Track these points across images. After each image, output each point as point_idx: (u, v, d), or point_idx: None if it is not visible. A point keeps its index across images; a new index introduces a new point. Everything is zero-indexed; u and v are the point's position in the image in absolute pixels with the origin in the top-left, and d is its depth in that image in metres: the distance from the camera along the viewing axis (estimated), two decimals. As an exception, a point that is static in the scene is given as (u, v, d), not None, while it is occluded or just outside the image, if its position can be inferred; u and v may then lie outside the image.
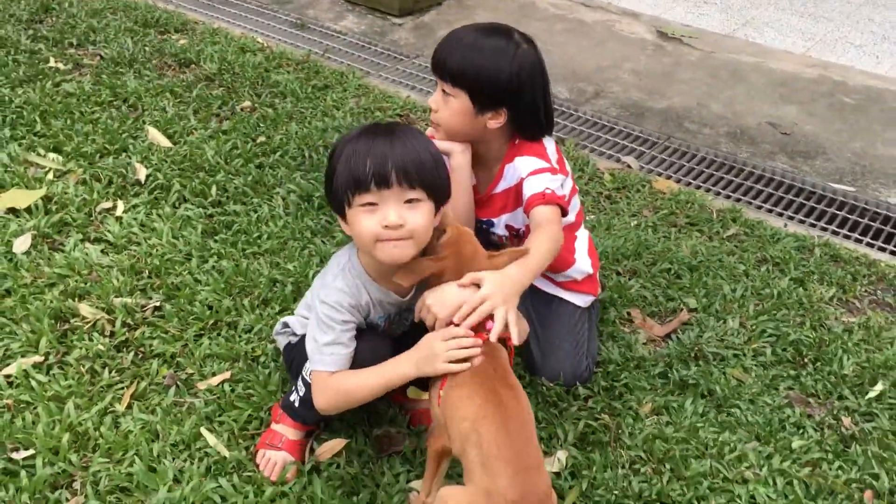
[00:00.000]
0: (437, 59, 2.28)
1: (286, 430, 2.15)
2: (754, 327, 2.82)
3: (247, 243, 2.91)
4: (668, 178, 3.86)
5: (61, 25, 4.49)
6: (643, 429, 2.36)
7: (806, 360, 2.72)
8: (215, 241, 2.91)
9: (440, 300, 1.92)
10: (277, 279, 2.73)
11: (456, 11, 5.44)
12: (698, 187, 3.80)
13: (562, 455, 2.24)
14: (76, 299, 2.55)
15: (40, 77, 3.85)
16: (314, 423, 2.17)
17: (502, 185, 2.44)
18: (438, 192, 1.95)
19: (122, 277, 2.66)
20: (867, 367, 2.68)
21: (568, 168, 2.51)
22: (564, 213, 2.30)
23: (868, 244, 3.46)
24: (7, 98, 3.60)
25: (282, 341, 2.26)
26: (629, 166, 3.91)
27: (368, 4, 5.39)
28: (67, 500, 1.97)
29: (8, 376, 2.26)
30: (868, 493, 2.24)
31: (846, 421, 2.48)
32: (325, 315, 1.96)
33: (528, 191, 2.28)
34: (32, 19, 4.55)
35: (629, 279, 3.04)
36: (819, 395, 2.59)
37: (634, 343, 2.71)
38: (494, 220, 2.51)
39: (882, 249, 3.43)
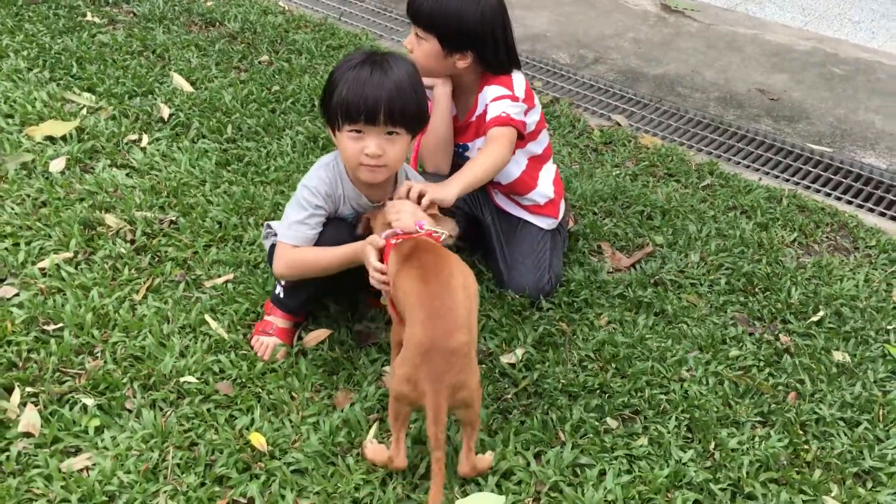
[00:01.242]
0: (412, 6, 2.59)
1: (276, 319, 2.47)
2: (714, 262, 3.09)
3: (256, 174, 3.24)
4: (655, 135, 4.12)
5: (99, -15, 4.84)
6: (596, 335, 2.64)
7: (756, 289, 2.99)
8: (228, 170, 3.24)
9: (397, 209, 2.25)
10: (280, 203, 3.06)
11: (470, -18, 5.71)
12: (682, 144, 4.06)
13: (519, 351, 2.54)
14: (102, 211, 2.89)
15: (78, 29, 4.21)
16: (298, 312, 2.49)
17: (477, 113, 2.74)
18: (417, 126, 2.29)
19: (143, 196, 3.00)
20: (813, 297, 2.94)
21: (536, 102, 2.80)
22: (521, 136, 2.60)
23: (836, 197, 3.70)
24: (48, 45, 3.96)
25: (267, 244, 2.59)
26: (618, 124, 4.18)
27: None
28: (89, 362, 2.31)
29: (42, 269, 2.61)
30: (792, 395, 2.51)
31: (784, 338, 2.75)
32: (302, 197, 2.30)
33: (490, 113, 2.60)
34: (73, -20, 4.91)
35: (604, 218, 3.32)
36: (764, 319, 2.86)
37: (600, 270, 2.99)
38: (469, 144, 2.80)
39: (849, 203, 3.67)
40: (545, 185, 2.85)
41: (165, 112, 3.54)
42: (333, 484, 2.04)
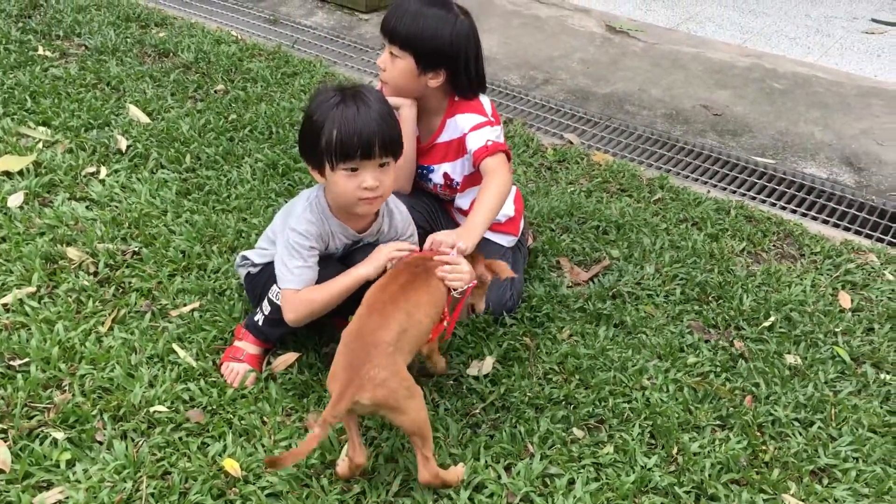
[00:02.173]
0: (388, 25, 2.65)
1: (247, 345, 2.50)
2: (668, 273, 3.19)
3: (217, 202, 3.26)
4: (606, 152, 4.24)
5: (48, 19, 4.84)
6: (559, 349, 2.72)
7: (710, 298, 3.09)
8: (189, 199, 3.26)
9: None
10: (243, 230, 3.09)
11: (419, 8, 5.80)
12: (633, 160, 4.18)
13: (486, 365, 2.60)
14: (64, 245, 2.89)
15: (30, 63, 4.20)
16: (274, 341, 2.52)
17: (444, 137, 2.80)
18: (400, 150, 2.37)
19: (104, 228, 3.00)
20: (763, 304, 3.05)
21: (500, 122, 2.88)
22: (509, 156, 2.68)
23: (781, 207, 3.84)
24: (0, 80, 3.94)
25: (242, 272, 2.62)
26: (571, 143, 4.29)
27: (337, 1, 5.77)
28: (57, 396, 2.31)
29: (5, 304, 2.61)
30: (748, 398, 2.60)
31: (738, 344, 2.85)
32: (294, 242, 2.33)
33: (473, 144, 2.66)
34: (22, 14, 4.90)
35: (561, 234, 3.40)
36: (719, 326, 2.96)
37: (560, 285, 3.07)
38: (434, 167, 2.87)
39: (793, 212, 3.82)
40: (506, 205, 2.93)
41: (123, 144, 3.55)
42: (310, 505, 2.07)
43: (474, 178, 2.82)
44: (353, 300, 2.27)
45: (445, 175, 2.86)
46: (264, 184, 3.44)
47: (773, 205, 3.86)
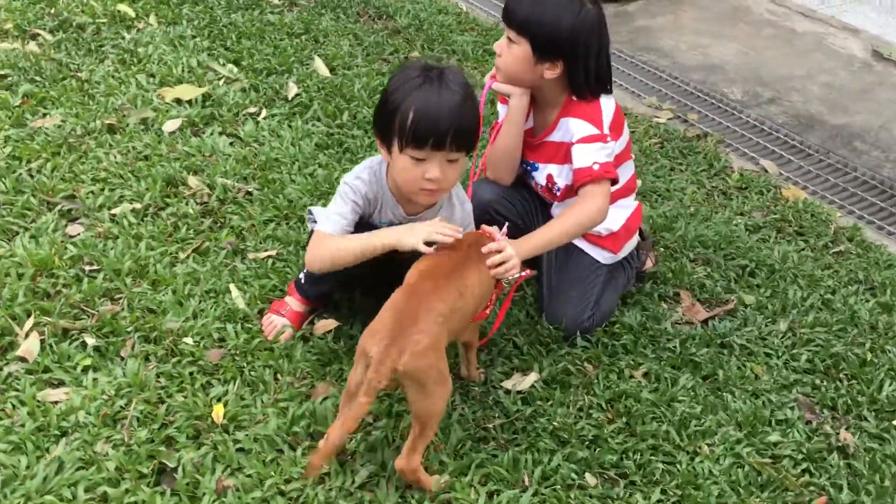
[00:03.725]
0: (508, 6, 2.49)
1: (293, 301, 2.49)
2: (803, 335, 2.74)
3: (349, 161, 3.29)
4: (803, 188, 3.72)
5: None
6: (620, 385, 2.43)
7: (841, 375, 2.62)
8: (324, 154, 3.32)
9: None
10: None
11: (663, 5, 5.45)
12: (831, 203, 3.64)
13: (527, 381, 2.39)
14: (190, 172, 3.06)
15: (254, 7, 4.49)
16: (313, 300, 2.49)
17: (555, 136, 2.59)
18: (473, 147, 2.25)
19: (233, 165, 3.14)
20: (910, 399, 2.52)
21: (624, 130, 2.61)
22: (615, 181, 2.45)
23: None
24: (219, 18, 4.25)
25: (310, 227, 2.61)
26: (765, 170, 3.82)
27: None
28: (107, 306, 2.45)
29: (113, 215, 2.81)
30: (822, 500, 2.16)
31: (846, 436, 2.38)
32: (342, 192, 2.30)
33: (578, 161, 2.44)
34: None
35: (696, 266, 3.04)
36: (837, 410, 2.49)
37: (663, 318, 2.74)
38: (539, 165, 2.67)
39: None
40: (611, 219, 2.65)
41: (292, 91, 3.68)
42: (268, 471, 2.03)
43: (569, 191, 2.59)
44: (387, 283, 2.16)
45: (549, 177, 2.65)
46: (406, 152, 3.40)
47: None
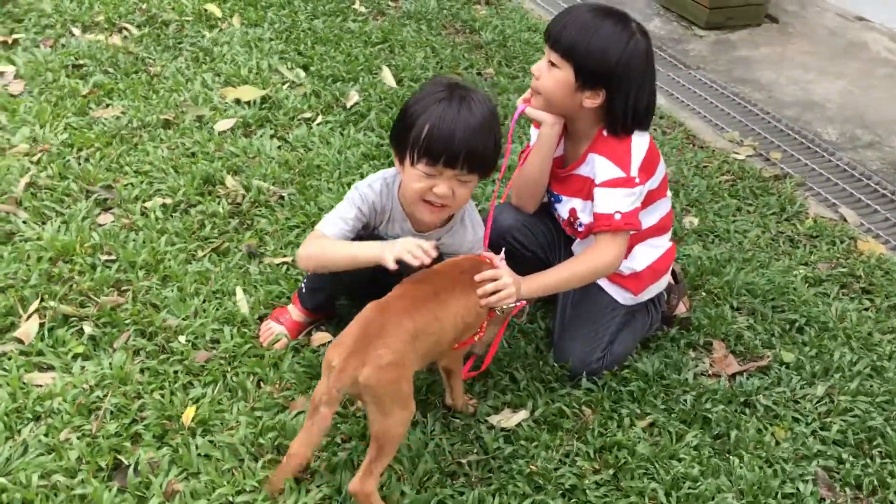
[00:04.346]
0: (553, 29, 2.32)
1: (294, 311, 2.47)
2: (840, 403, 2.50)
3: (391, 173, 3.25)
4: (885, 242, 3.42)
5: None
6: (616, 435, 2.27)
7: (873, 451, 2.37)
8: (369, 164, 3.29)
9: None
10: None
11: (771, 35, 5.17)
12: (915, 260, 3.32)
13: (515, 418, 2.27)
14: (230, 172, 3.10)
15: (338, 14, 4.53)
16: (312, 310, 2.46)
17: (583, 170, 2.45)
18: (489, 171, 2.18)
19: (275, 168, 3.16)
20: (949, 487, 2.25)
21: (659, 168, 2.44)
22: (637, 228, 2.33)
23: None
24: (300, 23, 4.32)
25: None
26: (843, 219, 3.53)
27: (680, 12, 5.36)
28: (111, 297, 2.50)
29: (144, 208, 2.88)
30: (814, 591, 1.95)
31: (864, 519, 2.14)
32: (351, 197, 2.27)
33: (599, 206, 2.31)
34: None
35: (739, 314, 2.83)
36: (861, 489, 2.25)
37: (685, 367, 2.56)
38: (564, 198, 2.54)
39: None
40: (636, 259, 2.50)
41: (352, 100, 3.69)
42: (223, 480, 2.00)
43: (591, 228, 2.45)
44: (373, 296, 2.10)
45: (572, 211, 2.50)
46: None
47: None
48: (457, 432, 2.24)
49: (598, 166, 2.34)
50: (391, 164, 3.20)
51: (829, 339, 2.75)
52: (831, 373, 2.61)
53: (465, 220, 2.30)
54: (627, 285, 2.51)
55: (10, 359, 2.25)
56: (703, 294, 2.90)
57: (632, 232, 2.35)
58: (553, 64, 2.31)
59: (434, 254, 2.04)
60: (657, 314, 2.63)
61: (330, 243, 2.19)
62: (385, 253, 2.07)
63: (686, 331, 2.73)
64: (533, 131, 2.57)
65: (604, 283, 2.52)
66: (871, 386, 2.57)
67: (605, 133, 2.36)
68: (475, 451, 2.20)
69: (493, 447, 2.20)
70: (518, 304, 2.17)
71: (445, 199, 2.12)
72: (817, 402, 2.50)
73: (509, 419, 2.27)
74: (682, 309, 2.75)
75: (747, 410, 2.45)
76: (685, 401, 2.43)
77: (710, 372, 2.60)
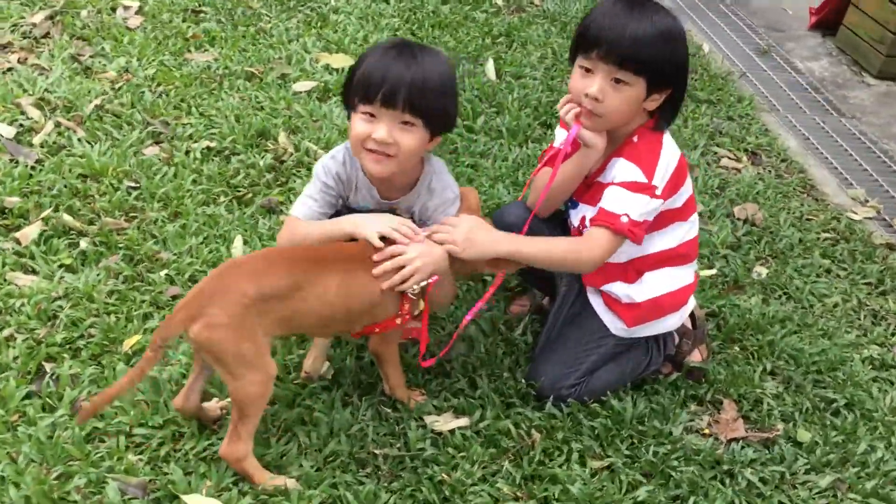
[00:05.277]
0: (621, 51, 2.02)
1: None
2: (853, 499, 2.16)
3: (449, 161, 3.16)
4: None
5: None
6: (553, 466, 2.07)
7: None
8: (429, 148, 3.21)
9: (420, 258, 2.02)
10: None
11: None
12: None
13: (452, 424, 2.13)
14: (288, 130, 3.13)
15: (470, 3, 4.48)
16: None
17: (602, 177, 2.24)
18: (437, 121, 2.02)
19: (333, 134, 3.15)
20: None
21: (686, 185, 2.21)
22: (635, 238, 2.10)
23: None
24: (427, 4, 4.29)
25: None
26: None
27: (853, 55, 4.87)
28: (119, 219, 2.59)
29: (189, 148, 2.96)
30: None
31: None
32: (315, 172, 2.19)
33: (607, 203, 2.10)
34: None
35: (770, 380, 2.51)
36: None
37: (675, 419, 2.30)
38: (580, 204, 2.33)
39: None
40: (643, 286, 2.26)
41: (443, 84, 3.62)
42: (129, 410, 2.01)
43: None
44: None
45: (583, 219, 2.30)
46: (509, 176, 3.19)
47: None
48: (386, 423, 2.12)
49: (620, 168, 2.14)
50: (452, 153, 3.13)
51: (868, 430, 2.37)
52: (849, 465, 2.25)
53: (432, 184, 2.16)
54: (622, 314, 2.28)
55: (5, 255, 2.37)
56: (736, 349, 2.60)
57: (628, 241, 2.11)
58: (621, 82, 2.06)
59: (420, 237, 1.97)
60: (658, 356, 2.38)
61: (302, 226, 2.11)
62: (366, 230, 2.00)
63: (696, 382, 2.45)
64: (559, 131, 2.39)
65: (598, 307, 2.31)
66: (890, 493, 2.19)
67: (634, 139, 2.15)
68: (397, 446, 2.07)
69: (415, 446, 2.06)
70: (430, 281, 2.00)
71: (387, 147, 1.98)
72: (818, 492, 2.17)
73: (446, 423, 2.13)
74: (696, 357, 2.47)
75: (727, 481, 2.17)
76: (655, 452, 2.17)
77: (704, 431, 2.32)
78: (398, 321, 2.00)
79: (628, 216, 2.07)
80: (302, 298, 1.87)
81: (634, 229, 2.07)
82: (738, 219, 3.27)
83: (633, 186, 2.09)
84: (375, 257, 1.96)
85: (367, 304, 1.96)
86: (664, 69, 2.05)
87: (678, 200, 2.21)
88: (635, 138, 2.16)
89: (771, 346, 2.61)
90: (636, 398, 2.33)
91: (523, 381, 2.29)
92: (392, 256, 1.96)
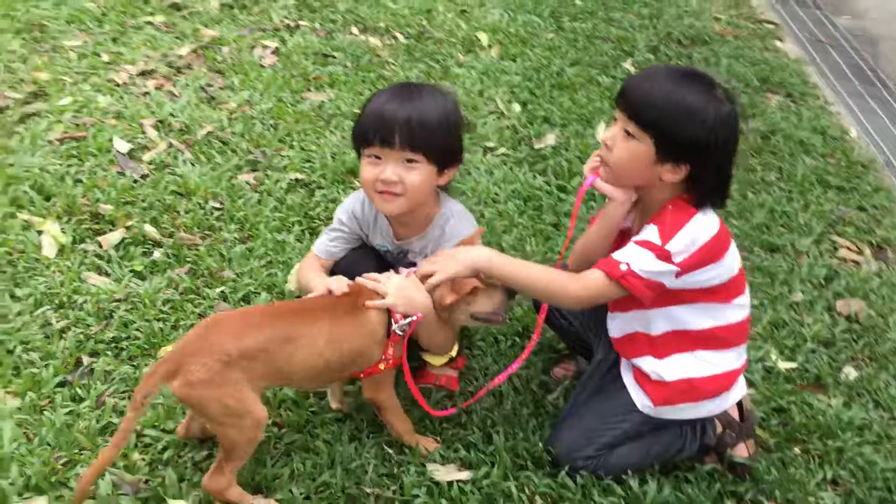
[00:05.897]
0: (631, 96, 2.02)
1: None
2: None
3: (534, 218, 3.14)
4: None
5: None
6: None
7: None
8: (516, 202, 3.21)
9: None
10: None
11: None
12: None
13: (452, 476, 2.09)
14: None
15: (599, 66, 4.46)
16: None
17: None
18: (441, 157, 2.07)
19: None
20: None
21: (723, 266, 2.08)
22: (640, 293, 2.00)
23: None
24: (552, 65, 4.32)
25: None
26: None
27: None
28: (195, 236, 2.75)
29: (280, 177, 3.11)
30: None
31: None
32: (336, 213, 2.31)
33: (615, 253, 2.04)
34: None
35: (826, 489, 2.29)
36: None
37: (699, 510, 2.14)
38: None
39: None
40: (670, 366, 2.14)
41: (545, 142, 3.62)
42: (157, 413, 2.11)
43: (624, 303, 2.15)
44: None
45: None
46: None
47: None
48: (388, 463, 2.11)
49: (644, 229, 2.06)
50: (537, 209, 3.12)
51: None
52: None
53: (447, 230, 2.18)
54: (649, 391, 2.16)
55: (86, 256, 2.58)
56: (797, 451, 2.39)
57: (625, 292, 1.99)
58: (630, 134, 2.02)
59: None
60: (693, 444, 2.22)
61: (304, 269, 2.26)
62: (323, 283, 2.09)
63: (739, 477, 2.27)
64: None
65: (628, 381, 2.21)
66: None
67: (670, 206, 2.06)
68: (392, 488, 2.05)
69: (409, 491, 2.04)
70: (414, 318, 1.98)
71: (393, 186, 2.03)
72: None
73: (447, 474, 2.09)
74: (741, 451, 2.29)
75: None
76: (668, 542, 2.03)
77: (736, 531, 2.14)
78: (381, 366, 2.00)
79: (628, 265, 1.96)
80: (291, 354, 1.89)
81: (633, 281, 1.96)
82: (840, 314, 3.01)
83: (644, 244, 1.99)
84: (370, 304, 2.00)
85: (361, 347, 1.98)
86: (672, 134, 1.94)
87: (710, 280, 2.05)
88: (670, 206, 2.07)
89: (839, 454, 2.38)
90: (662, 482, 2.19)
91: (540, 444, 2.20)
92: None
